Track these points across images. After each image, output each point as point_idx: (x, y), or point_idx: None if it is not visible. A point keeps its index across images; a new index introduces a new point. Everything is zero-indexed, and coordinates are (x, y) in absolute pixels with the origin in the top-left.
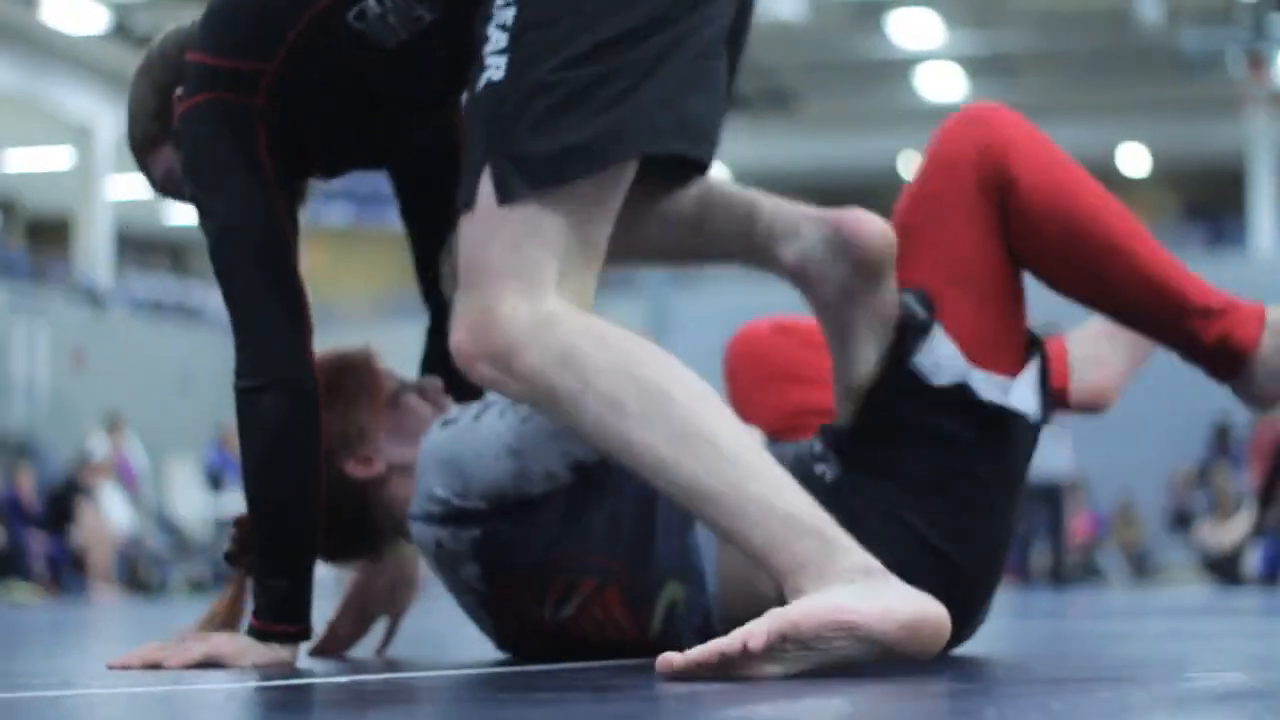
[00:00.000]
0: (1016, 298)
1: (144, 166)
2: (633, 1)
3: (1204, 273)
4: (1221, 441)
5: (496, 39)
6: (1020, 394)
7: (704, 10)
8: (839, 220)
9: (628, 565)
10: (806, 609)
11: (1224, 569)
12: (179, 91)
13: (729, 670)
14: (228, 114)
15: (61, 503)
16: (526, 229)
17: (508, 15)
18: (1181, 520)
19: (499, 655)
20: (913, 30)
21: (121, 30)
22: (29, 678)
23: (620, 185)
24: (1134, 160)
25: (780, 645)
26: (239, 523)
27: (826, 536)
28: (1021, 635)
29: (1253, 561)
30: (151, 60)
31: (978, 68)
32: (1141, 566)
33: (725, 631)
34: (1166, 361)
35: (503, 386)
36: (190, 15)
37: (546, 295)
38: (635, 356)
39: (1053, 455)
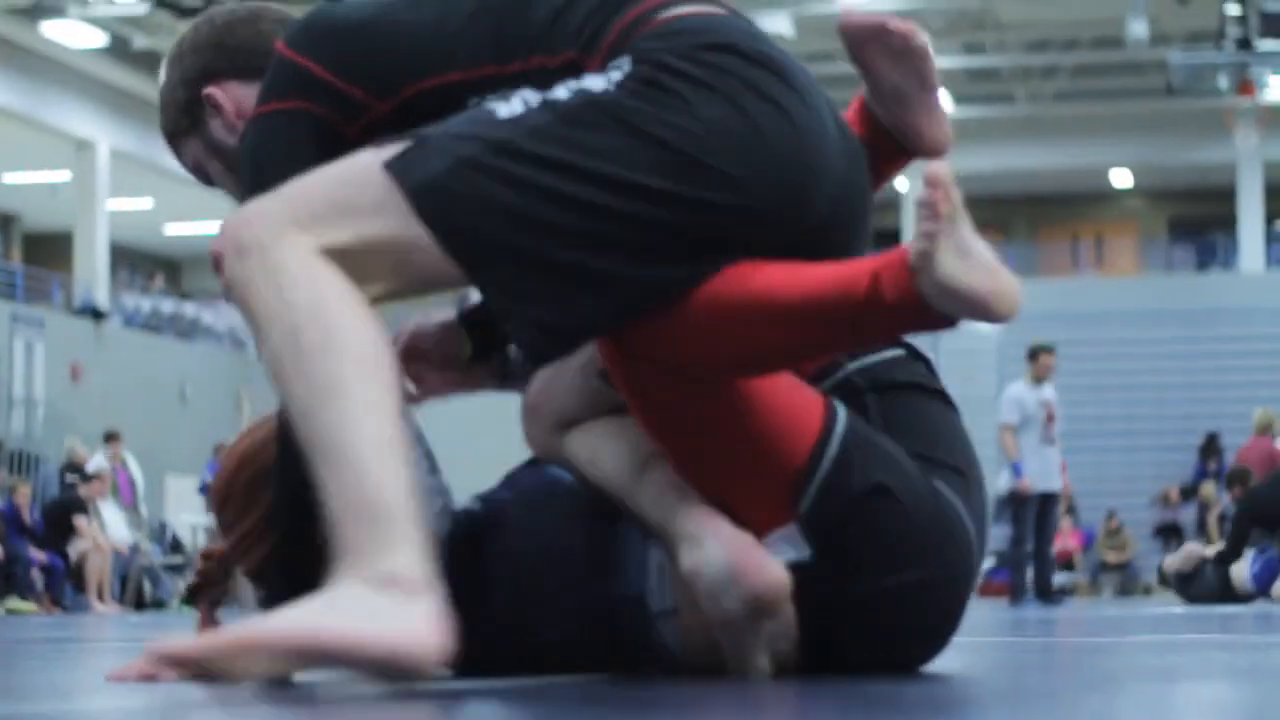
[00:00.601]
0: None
1: (175, 152)
2: (640, 168)
3: (1192, 290)
4: (1210, 458)
5: (531, 95)
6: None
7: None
8: (740, 555)
9: None
10: (287, 627)
11: (1197, 593)
12: (208, 89)
13: (212, 670)
14: (319, 133)
15: (59, 517)
16: (371, 204)
17: (561, 93)
18: (1168, 535)
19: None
20: None
21: (120, 47)
22: (28, 691)
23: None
24: (1122, 178)
25: (252, 652)
26: (207, 555)
27: (384, 531)
28: (1009, 648)
29: (1244, 576)
30: (183, 50)
31: (967, 85)
32: (1127, 582)
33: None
34: (1156, 379)
35: (225, 286)
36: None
37: (311, 238)
38: (332, 309)
39: (1045, 471)
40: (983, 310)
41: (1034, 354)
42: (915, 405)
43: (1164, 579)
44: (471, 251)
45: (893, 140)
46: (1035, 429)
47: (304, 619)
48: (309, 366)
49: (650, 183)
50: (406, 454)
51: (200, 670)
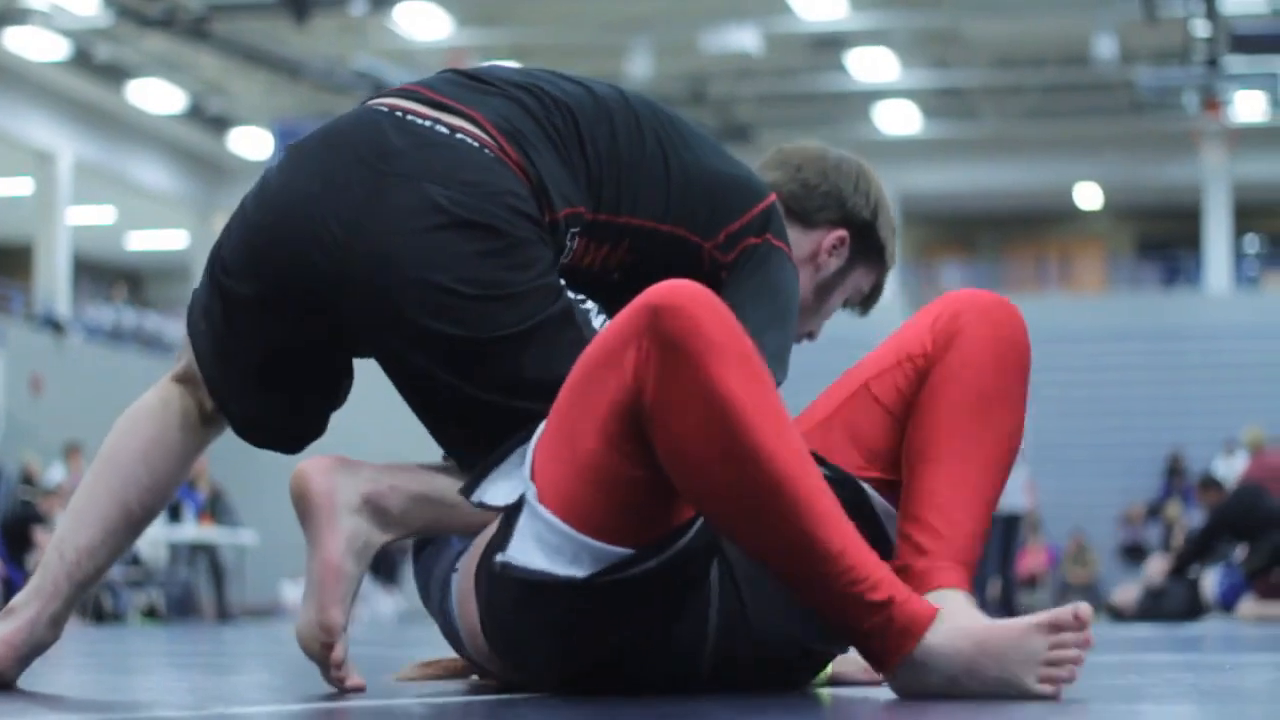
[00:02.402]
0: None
1: None
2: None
3: (1158, 308)
4: (1175, 476)
5: None
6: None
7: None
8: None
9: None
10: None
11: (1165, 608)
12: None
13: None
14: None
15: (18, 530)
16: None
17: None
18: (1133, 554)
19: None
20: (871, 65)
21: (83, 59)
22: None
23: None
24: (1089, 197)
25: None
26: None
27: (37, 577)
28: None
29: (1211, 593)
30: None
31: (935, 103)
32: (1092, 601)
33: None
34: (1122, 397)
35: None
36: (149, 45)
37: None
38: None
39: (1011, 490)
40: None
41: None
42: None
43: (1118, 615)
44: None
45: None
46: None
47: None
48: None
49: None
50: (85, 525)
51: None
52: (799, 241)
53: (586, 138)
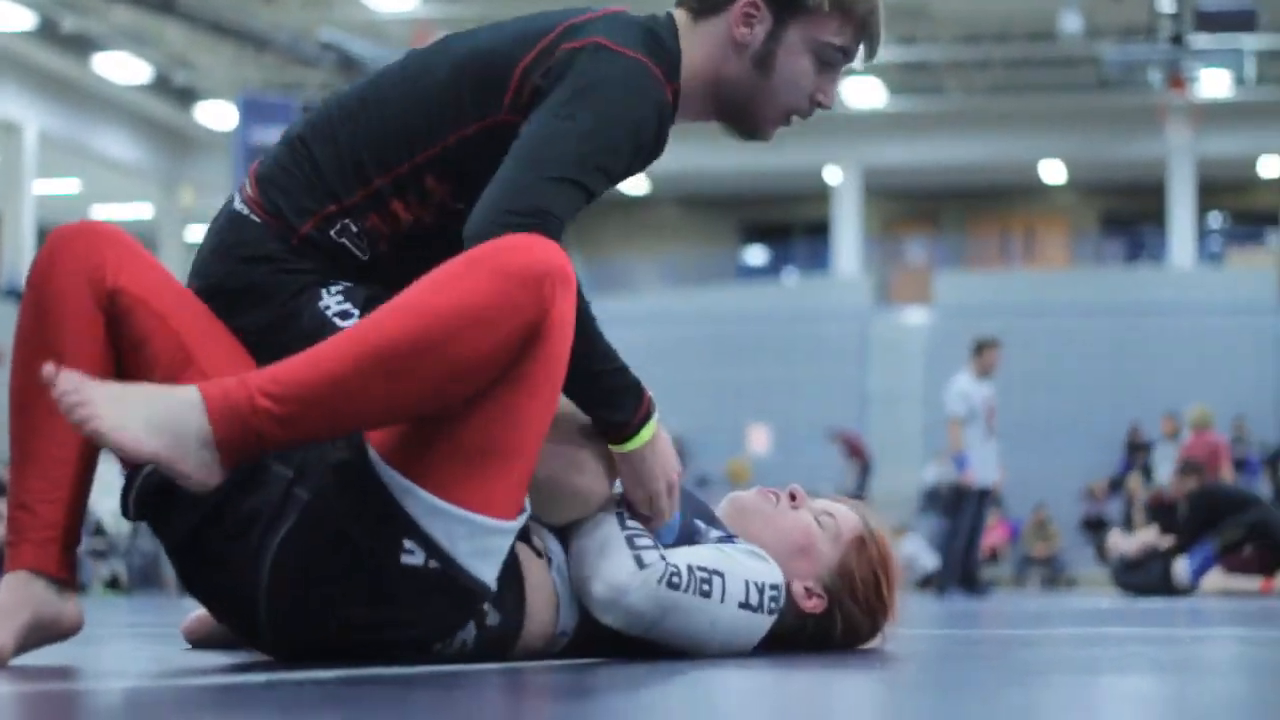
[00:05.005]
0: None
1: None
2: None
3: (1122, 284)
4: (1136, 451)
5: None
6: None
7: None
8: None
9: None
10: None
11: (1137, 582)
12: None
13: None
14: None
15: None
16: None
17: None
18: (1094, 528)
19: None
20: None
21: (49, 30)
22: None
23: None
24: (1054, 172)
25: None
26: None
27: None
28: (934, 640)
29: (1183, 571)
30: None
31: (900, 78)
32: (1053, 575)
33: None
34: (1083, 373)
35: None
36: (116, 16)
37: None
38: None
39: (985, 465)
40: None
41: (980, 348)
42: None
43: (1102, 555)
44: None
45: None
46: (979, 423)
47: None
48: None
49: None
50: None
51: None
52: (715, 32)
53: (333, 130)
